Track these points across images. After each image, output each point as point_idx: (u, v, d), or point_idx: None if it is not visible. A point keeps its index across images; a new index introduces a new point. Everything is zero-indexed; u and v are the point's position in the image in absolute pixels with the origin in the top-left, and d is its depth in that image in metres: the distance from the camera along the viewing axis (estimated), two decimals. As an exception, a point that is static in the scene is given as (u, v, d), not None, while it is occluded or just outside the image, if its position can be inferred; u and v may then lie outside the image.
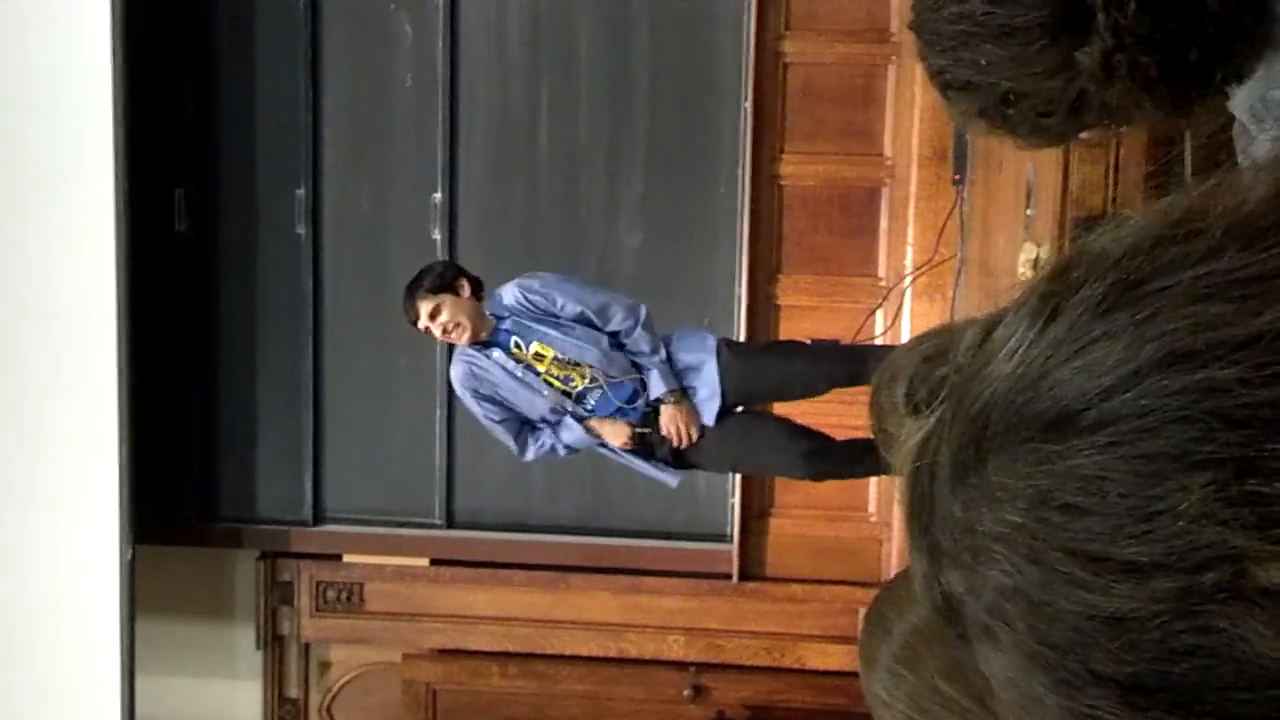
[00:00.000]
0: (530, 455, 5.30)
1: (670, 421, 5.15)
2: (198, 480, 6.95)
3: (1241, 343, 0.67)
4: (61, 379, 6.30)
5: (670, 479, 5.35)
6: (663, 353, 5.17)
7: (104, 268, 6.21)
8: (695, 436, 5.18)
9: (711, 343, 5.27)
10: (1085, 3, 1.37)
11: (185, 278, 6.81)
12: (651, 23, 6.53)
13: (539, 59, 6.60)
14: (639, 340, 5.15)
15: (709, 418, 5.19)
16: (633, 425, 5.17)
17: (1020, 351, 0.73)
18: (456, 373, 5.23)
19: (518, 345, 5.13)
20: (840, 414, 5.44)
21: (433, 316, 5.06)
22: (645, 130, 6.57)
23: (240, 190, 6.78)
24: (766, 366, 5.43)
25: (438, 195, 6.64)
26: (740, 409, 5.40)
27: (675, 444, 5.18)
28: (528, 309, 5.14)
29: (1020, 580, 0.71)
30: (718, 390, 5.19)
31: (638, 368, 5.18)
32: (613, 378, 5.12)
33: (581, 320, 5.15)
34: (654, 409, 5.18)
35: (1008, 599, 0.72)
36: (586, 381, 5.14)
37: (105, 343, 6.25)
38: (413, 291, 5.11)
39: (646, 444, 5.20)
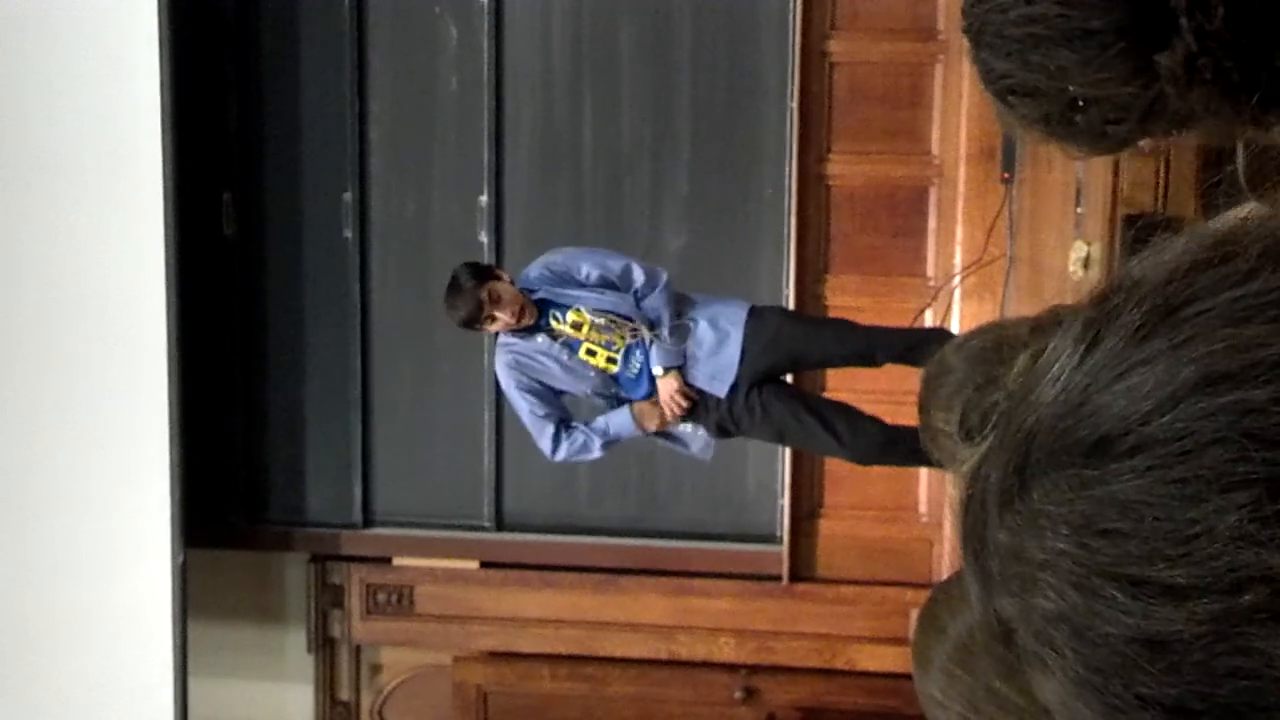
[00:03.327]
0: (561, 455, 5.25)
1: (663, 392, 5.17)
2: (247, 484, 6.98)
3: (1275, 363, 0.67)
4: (112, 386, 6.33)
5: (701, 450, 5.36)
6: (667, 326, 5.16)
7: (153, 274, 6.24)
8: (680, 410, 5.19)
9: (742, 316, 5.25)
10: (1167, 6, 1.33)
11: (233, 282, 6.84)
12: (695, 23, 6.51)
13: (583, 60, 6.60)
14: (655, 304, 5.16)
15: (721, 389, 5.20)
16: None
17: (1063, 378, 0.74)
18: (501, 365, 5.22)
19: (555, 318, 5.14)
20: (891, 415, 5.41)
21: (495, 303, 5.04)
22: (690, 131, 6.55)
23: (287, 195, 6.80)
24: (819, 330, 5.52)
25: (484, 198, 6.64)
26: (787, 379, 5.43)
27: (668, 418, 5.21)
28: (554, 279, 5.16)
29: (1065, 606, 0.72)
30: (734, 366, 5.18)
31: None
32: (655, 332, 5.13)
33: (606, 284, 5.18)
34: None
35: (1054, 625, 0.73)
36: (629, 339, 5.13)
37: (155, 348, 6.28)
38: (459, 292, 5.08)
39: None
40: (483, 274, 5.12)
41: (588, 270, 5.17)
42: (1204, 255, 0.73)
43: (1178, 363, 0.69)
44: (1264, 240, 0.72)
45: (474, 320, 5.09)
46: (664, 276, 5.21)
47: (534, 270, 5.23)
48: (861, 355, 5.43)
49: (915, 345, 5.12)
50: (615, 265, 5.19)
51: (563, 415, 5.27)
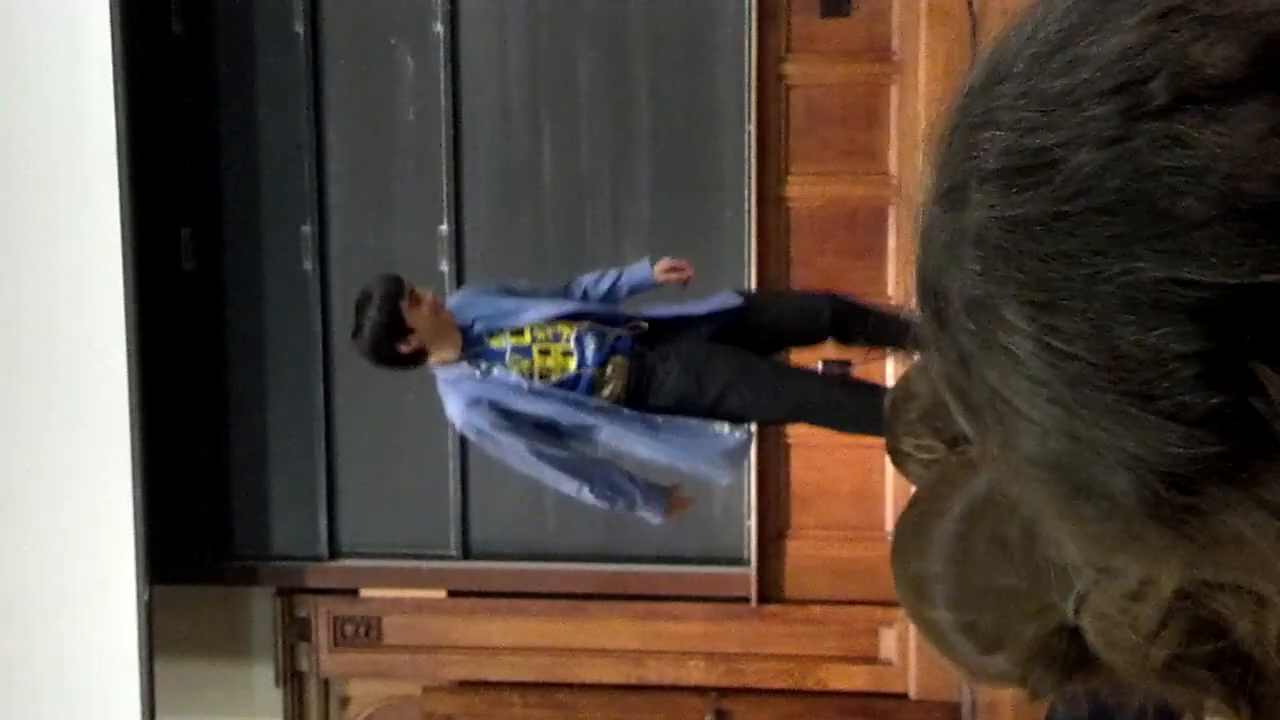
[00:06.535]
0: (595, 497, 5.04)
1: (667, 266, 5.17)
2: (212, 519, 6.94)
3: None
4: (73, 424, 6.30)
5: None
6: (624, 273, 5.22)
7: (113, 310, 6.22)
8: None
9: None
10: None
11: (194, 317, 6.82)
12: (652, 49, 6.53)
13: (540, 88, 6.61)
14: (604, 281, 5.16)
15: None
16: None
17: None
18: (462, 407, 4.90)
19: (495, 338, 4.92)
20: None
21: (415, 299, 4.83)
22: (649, 157, 6.57)
23: (246, 228, 6.78)
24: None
25: (444, 227, 6.64)
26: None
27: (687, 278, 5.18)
28: (490, 295, 5.08)
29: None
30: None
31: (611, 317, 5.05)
32: (602, 317, 4.99)
33: (542, 291, 5.14)
34: (641, 346, 5.02)
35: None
36: (575, 330, 4.91)
37: (116, 384, 6.24)
38: (364, 311, 4.93)
39: (650, 381, 4.97)
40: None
41: (510, 283, 5.18)
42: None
43: None
44: None
45: (397, 323, 4.81)
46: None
47: (467, 294, 5.21)
48: (812, 318, 5.33)
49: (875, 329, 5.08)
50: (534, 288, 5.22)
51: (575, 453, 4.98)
